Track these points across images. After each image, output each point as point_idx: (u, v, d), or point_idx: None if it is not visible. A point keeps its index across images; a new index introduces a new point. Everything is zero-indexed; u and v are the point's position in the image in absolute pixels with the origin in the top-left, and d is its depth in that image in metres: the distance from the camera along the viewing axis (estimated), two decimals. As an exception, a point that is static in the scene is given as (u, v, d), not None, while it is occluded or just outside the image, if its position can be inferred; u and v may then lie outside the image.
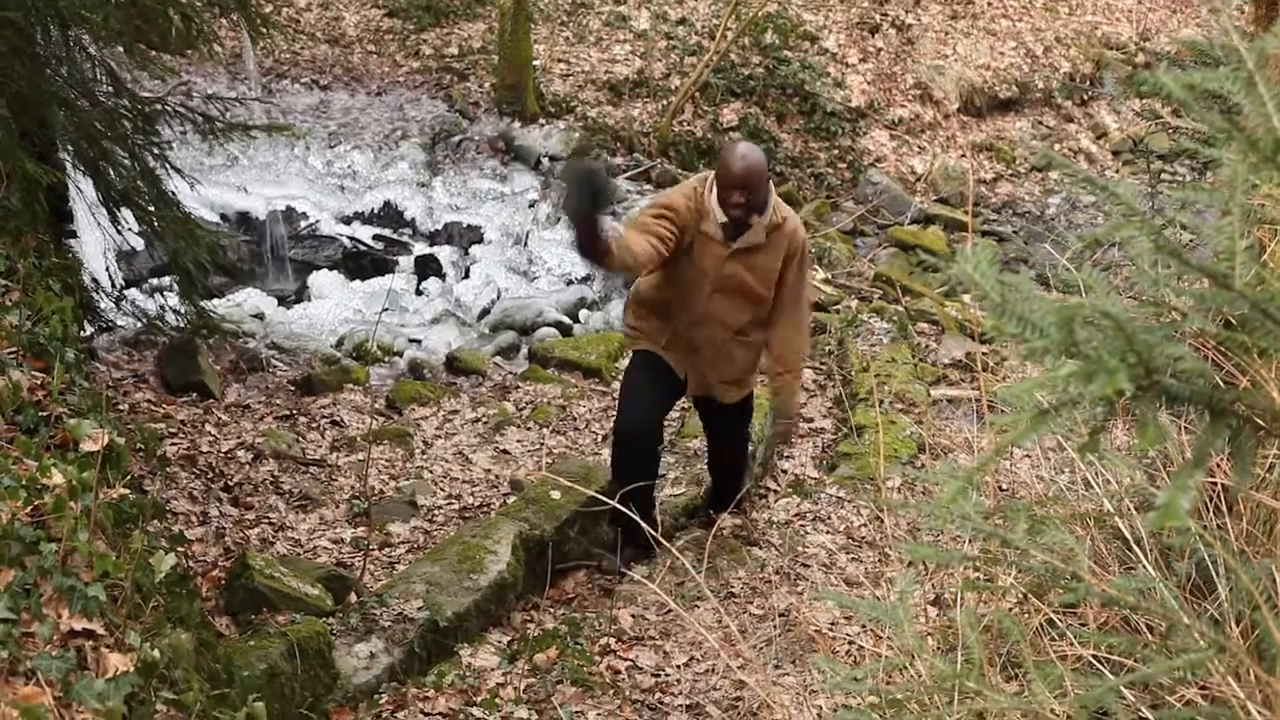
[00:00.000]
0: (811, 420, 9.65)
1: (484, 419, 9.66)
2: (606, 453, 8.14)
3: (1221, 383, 2.64)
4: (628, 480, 6.67)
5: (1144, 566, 3.51)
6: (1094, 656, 3.44)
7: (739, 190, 6.48)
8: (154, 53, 8.13)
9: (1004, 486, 5.86)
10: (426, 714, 5.72)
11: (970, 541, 3.96)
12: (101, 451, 4.37)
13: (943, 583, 4.77)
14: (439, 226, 14.42)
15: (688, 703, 5.93)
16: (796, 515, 7.95)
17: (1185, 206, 2.55)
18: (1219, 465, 3.28)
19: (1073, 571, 2.84)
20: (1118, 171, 17.84)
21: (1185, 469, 1.83)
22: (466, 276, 13.63)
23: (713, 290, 6.77)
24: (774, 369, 7.15)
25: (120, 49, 7.88)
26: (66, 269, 6.53)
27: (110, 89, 8.09)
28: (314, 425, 9.12)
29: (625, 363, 8.21)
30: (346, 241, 13.88)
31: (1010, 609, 3.88)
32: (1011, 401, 2.51)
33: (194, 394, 8.98)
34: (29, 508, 3.98)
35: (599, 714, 5.79)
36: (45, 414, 4.68)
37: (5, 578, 3.66)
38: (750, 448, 8.07)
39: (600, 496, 5.89)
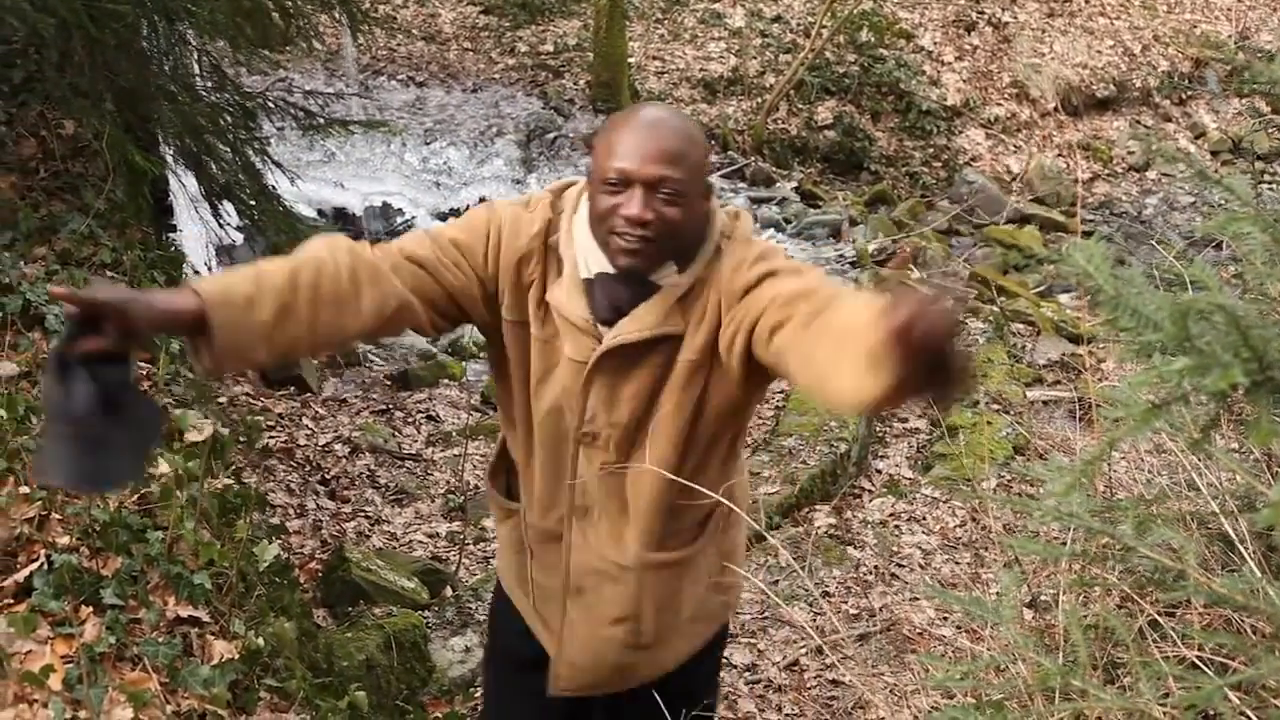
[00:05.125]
0: (906, 420, 9.60)
1: (578, 415, 9.66)
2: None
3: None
4: None
5: (1250, 566, 3.46)
6: (1198, 657, 3.40)
7: (646, 190, 2.90)
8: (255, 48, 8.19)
9: (1102, 488, 5.81)
10: (521, 707, 5.73)
11: (1072, 540, 3.92)
12: (207, 442, 4.42)
13: (1040, 584, 4.73)
14: (533, 223, 14.44)
15: (782, 700, 5.92)
16: (891, 515, 7.90)
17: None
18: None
19: (1179, 570, 2.81)
20: (1216, 171, 17.60)
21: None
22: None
23: (577, 445, 3.25)
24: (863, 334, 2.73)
25: (223, 44, 7.95)
26: (171, 261, 6.60)
27: (212, 84, 8.16)
28: (410, 420, 9.16)
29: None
30: (442, 238, 13.93)
31: (1113, 609, 3.84)
32: (1118, 400, 2.48)
33: (292, 387, 9.04)
34: (136, 496, 4.04)
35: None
36: (151, 404, 4.73)
37: (113, 565, 3.71)
38: None
39: None
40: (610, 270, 3.01)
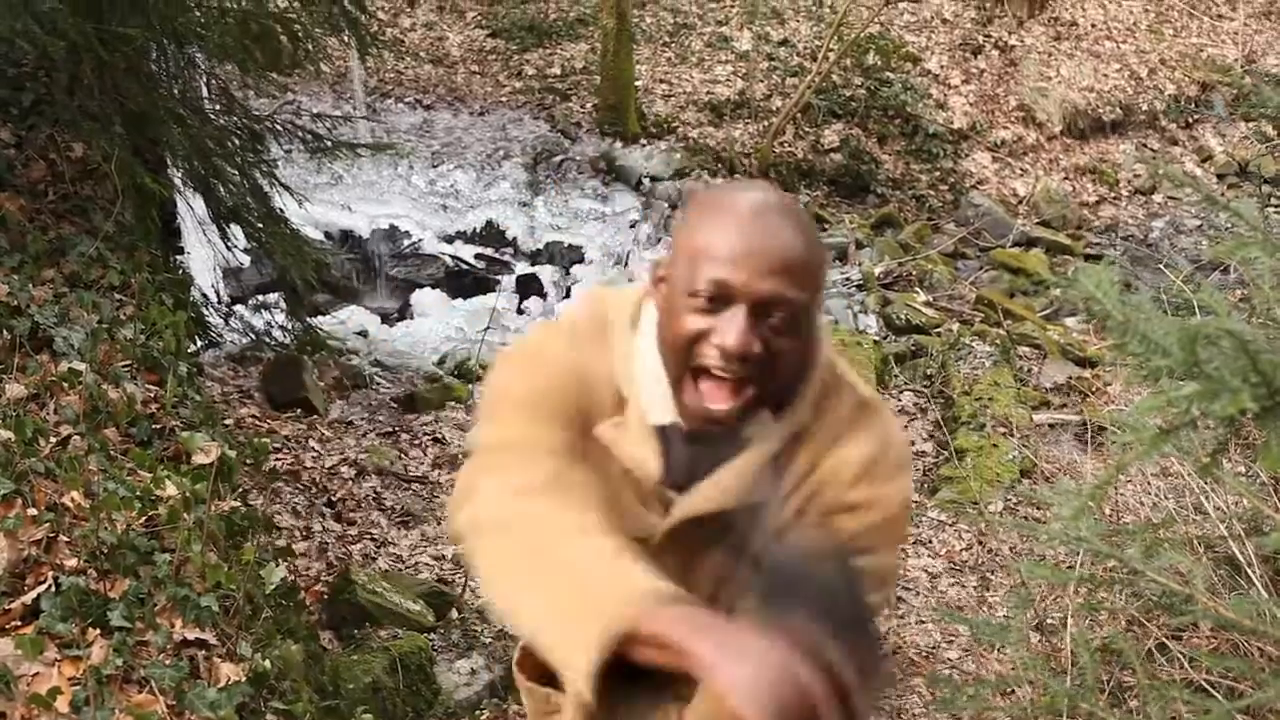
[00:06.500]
0: (913, 443, 9.59)
1: (584, 438, 9.67)
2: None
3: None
4: None
5: (1257, 590, 3.47)
6: (1206, 681, 3.40)
7: (754, 312, 2.12)
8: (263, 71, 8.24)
9: (1109, 512, 5.81)
10: (527, 731, 5.74)
11: (1080, 564, 3.93)
12: (214, 464, 4.42)
13: (1048, 607, 4.73)
14: (540, 246, 14.47)
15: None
16: (897, 538, 7.89)
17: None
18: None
19: (1187, 594, 2.81)
20: (1222, 195, 17.60)
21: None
22: (568, 296, 13.66)
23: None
24: None
25: (231, 67, 7.99)
26: (179, 284, 6.62)
27: (221, 107, 8.20)
28: (416, 442, 9.16)
29: None
30: (449, 260, 13.96)
31: (1120, 632, 3.85)
32: (1124, 424, 2.49)
33: (298, 410, 9.05)
34: (143, 518, 4.04)
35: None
36: (159, 426, 4.75)
37: (121, 587, 3.71)
38: None
39: None
40: (675, 421, 2.28)
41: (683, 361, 2.17)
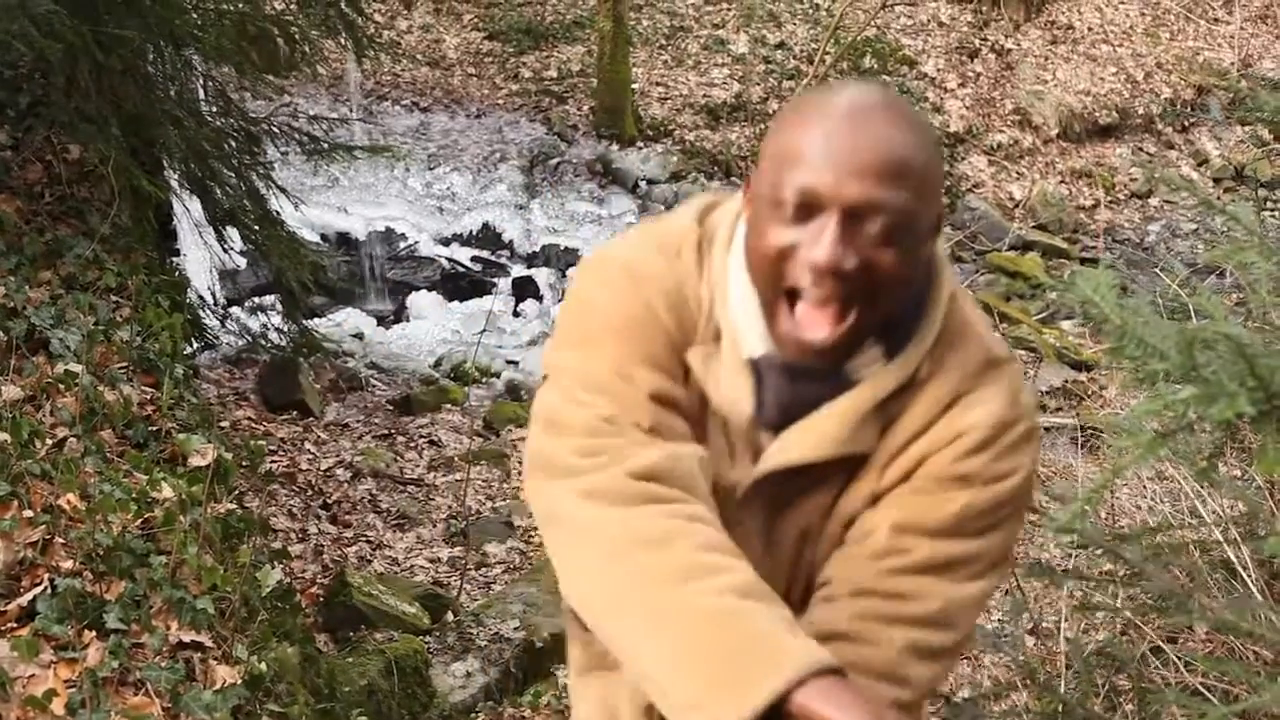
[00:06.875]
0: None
1: (580, 441, 9.66)
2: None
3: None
4: None
5: (1253, 593, 3.47)
6: (1201, 684, 3.41)
7: (848, 221, 1.82)
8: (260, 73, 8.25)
9: (1104, 515, 5.82)
10: (523, 733, 5.74)
11: (1074, 567, 3.94)
12: (210, 466, 4.42)
13: (1042, 610, 4.74)
14: (536, 249, 14.45)
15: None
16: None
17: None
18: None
19: (1181, 598, 2.81)
20: (1219, 199, 17.62)
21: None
22: (563, 299, 13.62)
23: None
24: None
25: (228, 69, 7.99)
26: (175, 286, 6.62)
27: (217, 109, 8.20)
28: (412, 445, 9.17)
29: None
30: (445, 263, 13.95)
31: (1114, 637, 3.85)
32: (1121, 427, 2.49)
33: (294, 412, 9.05)
34: (139, 520, 4.04)
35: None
36: (155, 429, 4.75)
37: (116, 589, 3.71)
38: None
39: None
40: (770, 353, 1.97)
41: (773, 283, 1.88)
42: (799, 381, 1.96)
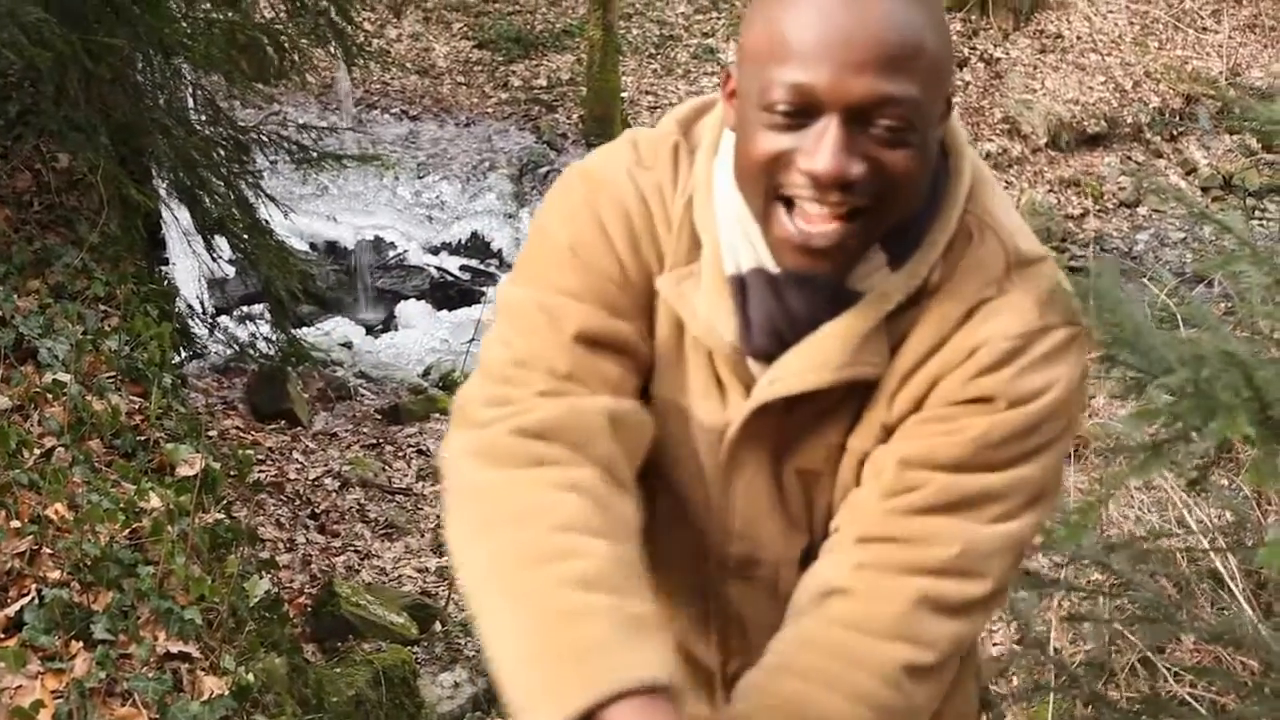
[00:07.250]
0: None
1: (569, 450, 9.66)
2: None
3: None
4: None
5: (1241, 604, 3.47)
6: (1189, 694, 3.41)
7: (850, 124, 1.53)
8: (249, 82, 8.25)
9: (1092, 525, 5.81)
10: (511, 744, 5.73)
11: (1063, 577, 3.94)
12: (198, 476, 4.42)
13: (1030, 620, 4.74)
14: (525, 258, 14.44)
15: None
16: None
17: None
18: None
19: (1170, 609, 2.82)
20: (1207, 208, 17.64)
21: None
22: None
23: (724, 578, 1.94)
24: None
25: (217, 78, 7.99)
26: (163, 295, 6.62)
27: (207, 118, 8.20)
28: (400, 454, 9.16)
29: None
30: (434, 271, 13.94)
31: (1104, 647, 3.85)
32: (1112, 439, 2.49)
33: (282, 421, 9.03)
34: (127, 530, 4.04)
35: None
36: (143, 438, 4.75)
37: (104, 600, 3.71)
38: None
39: None
40: (773, 268, 1.70)
41: (766, 194, 1.60)
42: (790, 297, 1.69)
